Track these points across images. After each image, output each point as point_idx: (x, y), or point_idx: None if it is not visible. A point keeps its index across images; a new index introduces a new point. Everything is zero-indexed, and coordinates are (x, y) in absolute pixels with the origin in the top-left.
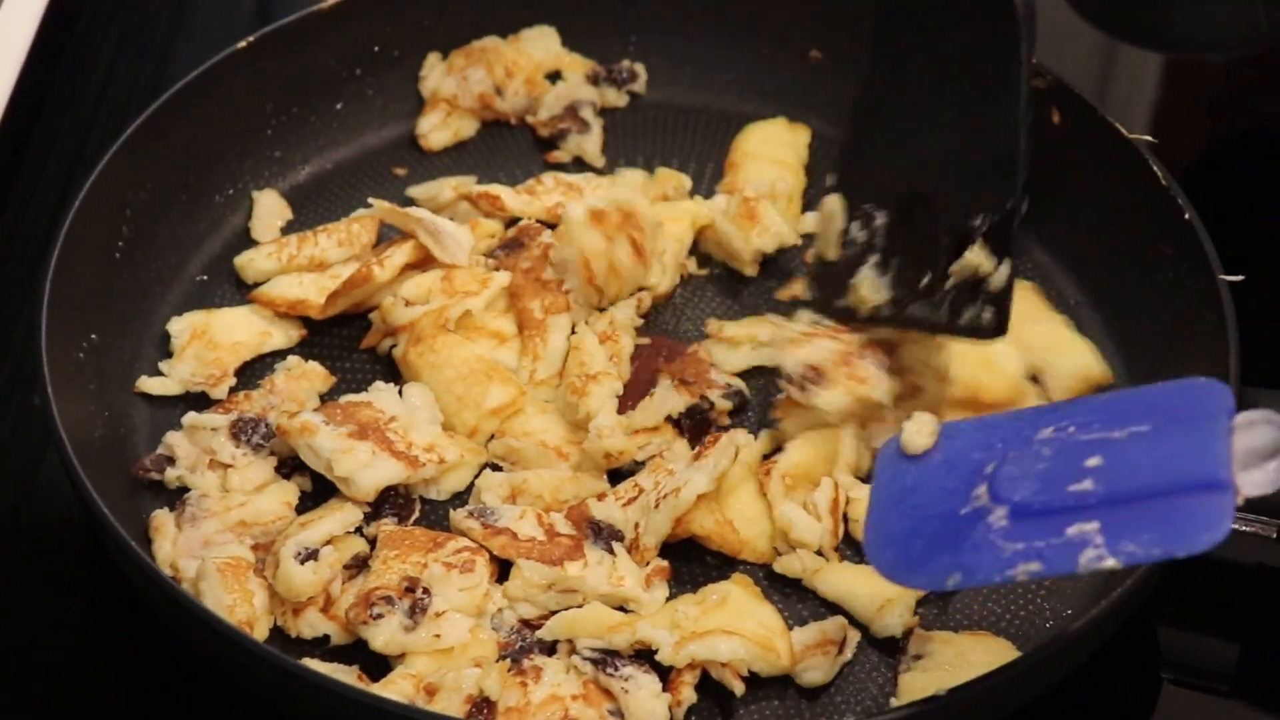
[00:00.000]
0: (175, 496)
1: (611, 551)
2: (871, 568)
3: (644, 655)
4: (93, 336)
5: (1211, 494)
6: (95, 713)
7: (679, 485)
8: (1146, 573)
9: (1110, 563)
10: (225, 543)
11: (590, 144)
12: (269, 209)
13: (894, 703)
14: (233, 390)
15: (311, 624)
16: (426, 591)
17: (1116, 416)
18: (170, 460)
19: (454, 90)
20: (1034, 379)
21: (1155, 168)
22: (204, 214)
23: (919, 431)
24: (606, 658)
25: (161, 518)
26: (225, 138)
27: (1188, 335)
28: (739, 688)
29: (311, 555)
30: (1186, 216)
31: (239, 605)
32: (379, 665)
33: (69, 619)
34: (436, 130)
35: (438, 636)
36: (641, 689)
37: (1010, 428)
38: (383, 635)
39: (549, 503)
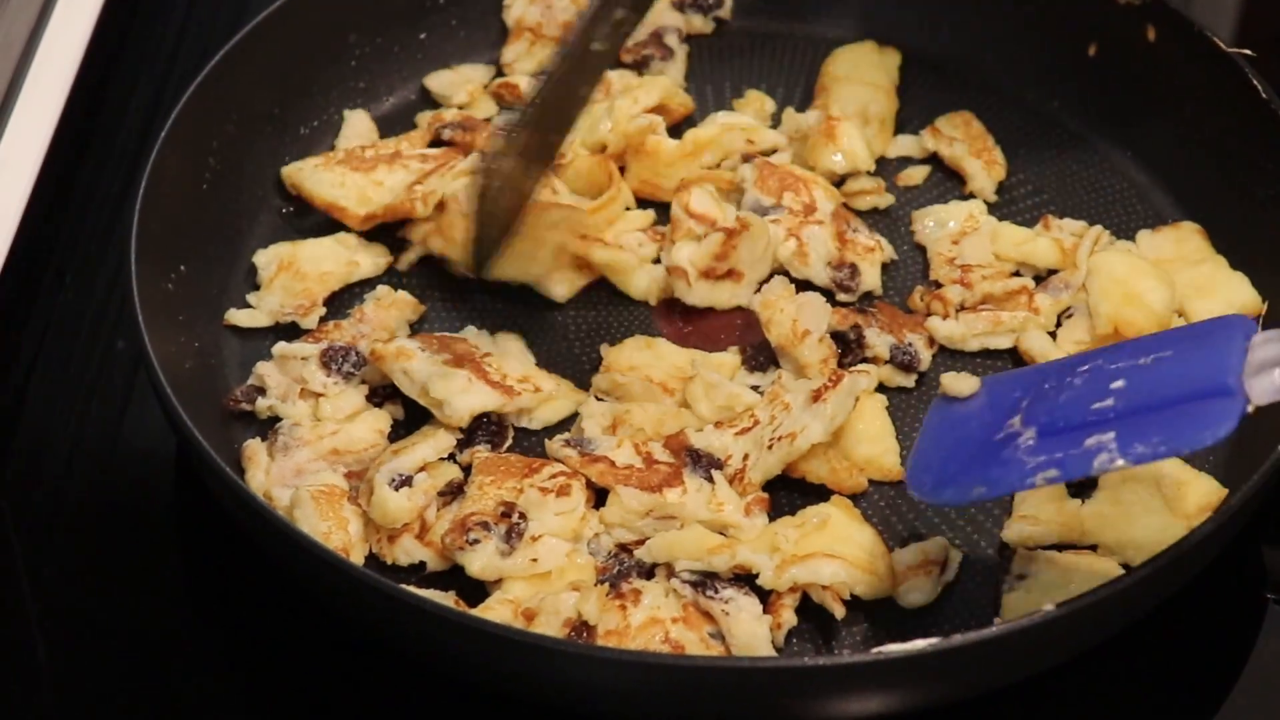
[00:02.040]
0: (266, 427)
1: (710, 479)
2: None
3: (743, 578)
4: (181, 269)
5: (1219, 399)
6: (191, 645)
7: (795, 430)
8: (1252, 492)
9: (1120, 463)
10: (318, 471)
11: (675, 70)
12: (357, 130)
13: (997, 622)
14: (322, 320)
15: (407, 550)
16: (523, 516)
17: (1146, 349)
18: (261, 391)
19: (538, 18)
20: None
21: (1255, 81)
22: (289, 146)
23: (957, 380)
24: (706, 580)
25: (254, 447)
26: (309, 69)
27: None
28: (840, 611)
29: (406, 482)
30: None
31: (334, 532)
32: (476, 592)
33: (161, 555)
34: (521, 59)
35: (534, 561)
36: (743, 611)
37: (1052, 370)
38: (479, 560)
39: (650, 435)
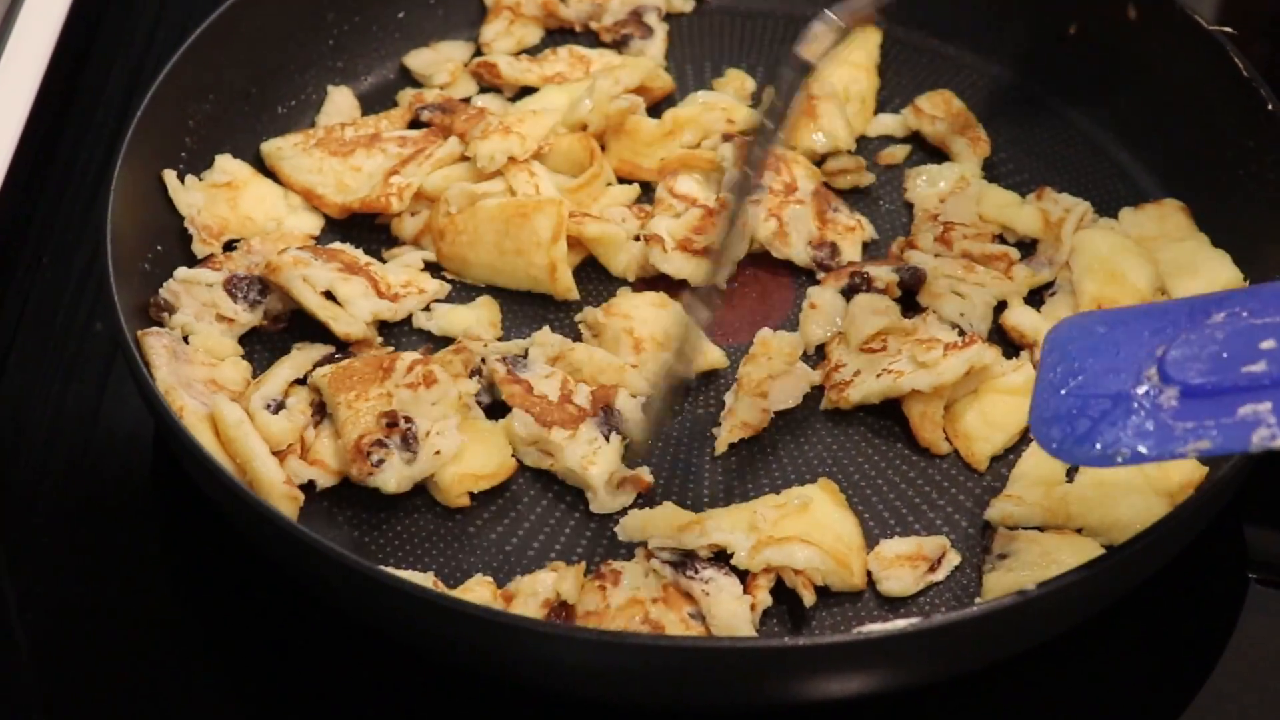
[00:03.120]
0: None
1: (607, 440)
2: None
3: (722, 558)
4: (158, 248)
5: None
6: (171, 628)
7: (905, 370)
8: (1232, 470)
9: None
10: (204, 393)
11: (654, 49)
12: (339, 106)
13: (978, 602)
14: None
15: (295, 471)
16: (408, 419)
17: None
18: (170, 308)
19: None
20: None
21: (1236, 59)
22: (267, 125)
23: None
24: (685, 560)
25: (155, 345)
26: (287, 48)
27: (1270, 228)
28: (809, 598)
29: (280, 406)
30: (1270, 108)
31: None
32: (456, 572)
33: (140, 538)
34: (500, 38)
35: (438, 454)
36: (723, 591)
37: (1182, 312)
38: (391, 477)
39: (583, 378)
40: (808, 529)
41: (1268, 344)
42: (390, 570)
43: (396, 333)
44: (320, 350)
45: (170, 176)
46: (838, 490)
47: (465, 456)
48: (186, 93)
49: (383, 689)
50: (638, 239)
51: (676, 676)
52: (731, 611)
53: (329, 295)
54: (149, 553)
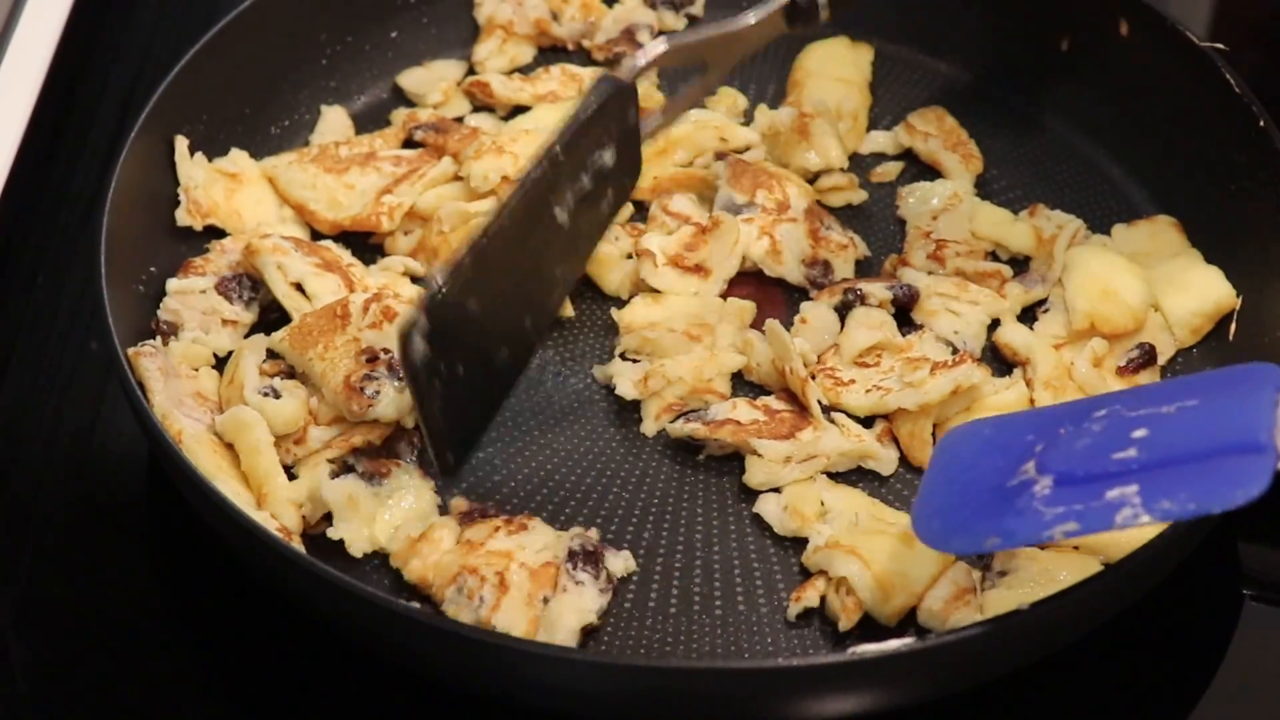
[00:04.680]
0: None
1: (833, 420)
2: None
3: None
4: (151, 269)
5: (1250, 456)
6: (163, 644)
7: (893, 388)
8: None
9: (1145, 519)
10: (195, 408)
11: None
12: (333, 125)
13: (978, 619)
14: (188, 256)
15: (318, 438)
16: (385, 350)
17: (1167, 396)
18: (174, 329)
19: (510, 16)
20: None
21: (1228, 75)
22: (260, 145)
23: None
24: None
25: (149, 368)
26: (280, 67)
27: (1264, 243)
28: (845, 623)
29: (274, 392)
30: (1261, 124)
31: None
32: None
33: (134, 555)
34: (493, 57)
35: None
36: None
37: (1065, 414)
38: (392, 405)
39: (692, 385)
40: (880, 552)
41: (1139, 433)
42: (383, 594)
43: None
44: (263, 339)
45: (181, 144)
46: None
47: None
48: (181, 113)
49: (375, 708)
50: (630, 257)
51: (667, 699)
52: (565, 622)
53: (301, 289)
54: (143, 571)
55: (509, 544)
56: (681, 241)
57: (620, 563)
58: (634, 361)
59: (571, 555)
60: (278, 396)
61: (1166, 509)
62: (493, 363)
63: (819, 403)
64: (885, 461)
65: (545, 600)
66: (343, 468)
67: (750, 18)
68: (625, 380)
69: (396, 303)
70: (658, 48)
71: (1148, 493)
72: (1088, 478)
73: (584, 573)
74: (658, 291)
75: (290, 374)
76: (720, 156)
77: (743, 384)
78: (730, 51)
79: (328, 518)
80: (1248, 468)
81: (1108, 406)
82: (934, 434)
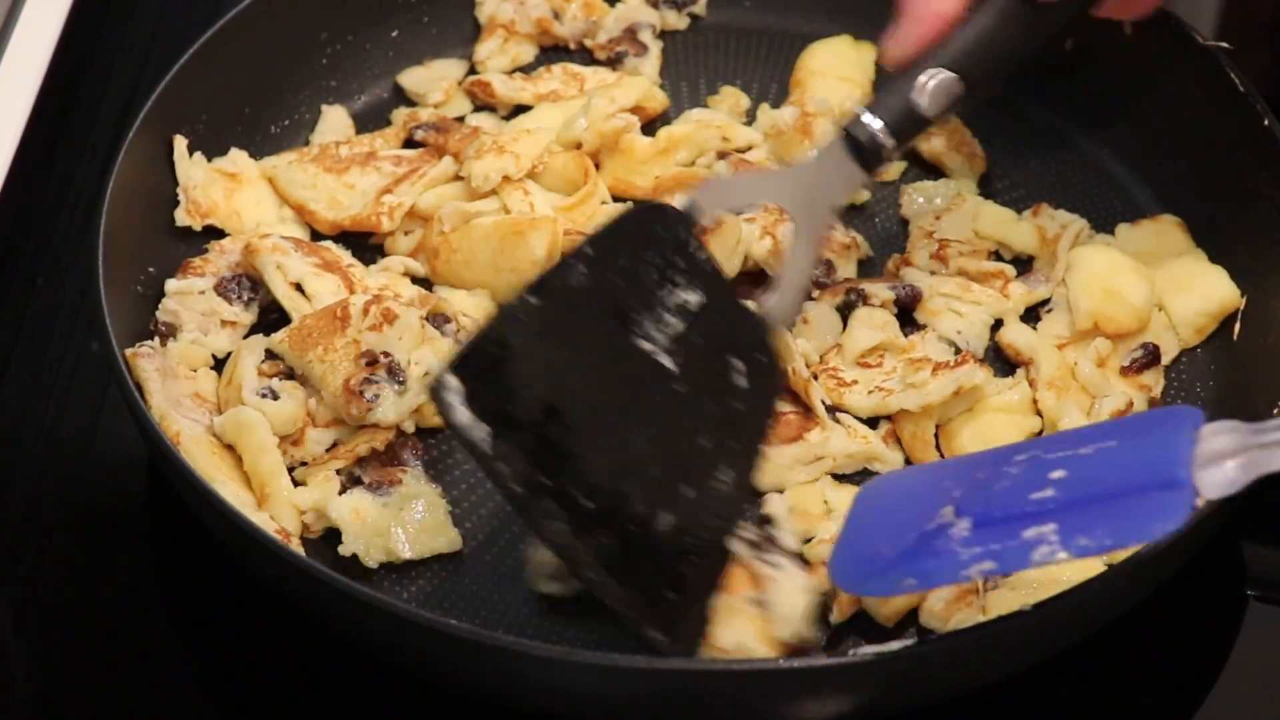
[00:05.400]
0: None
1: (838, 420)
2: None
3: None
4: (150, 270)
5: (1167, 491)
6: (163, 648)
7: (895, 389)
8: None
9: (1062, 555)
10: (194, 409)
11: (649, 67)
12: (334, 125)
13: (980, 620)
14: (187, 257)
15: (317, 440)
16: (386, 354)
17: (1086, 439)
18: (172, 331)
19: (511, 15)
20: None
21: (1233, 75)
22: (260, 145)
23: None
24: (763, 542)
25: (147, 369)
26: (280, 67)
27: (1268, 243)
28: (838, 614)
29: (271, 393)
30: (1266, 123)
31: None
32: None
33: (134, 559)
34: (494, 56)
35: (427, 374)
36: (791, 580)
37: (986, 460)
38: (390, 410)
39: None
40: None
41: (1057, 474)
42: (382, 596)
43: None
44: (261, 340)
45: (180, 144)
46: None
47: None
48: (180, 113)
49: (374, 710)
50: None
51: (663, 700)
52: (793, 603)
53: (301, 289)
54: (143, 573)
55: None
56: None
57: (791, 539)
58: None
59: (753, 546)
60: (276, 398)
61: (1083, 545)
62: (651, 523)
63: (822, 403)
64: (891, 464)
65: (760, 602)
66: (350, 478)
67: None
68: None
69: (397, 305)
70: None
71: (1065, 530)
72: (1005, 518)
73: (772, 556)
74: None
75: (289, 375)
76: (723, 156)
77: None
78: (805, 197)
79: (333, 531)
80: (1166, 502)
81: (1028, 451)
82: (937, 435)
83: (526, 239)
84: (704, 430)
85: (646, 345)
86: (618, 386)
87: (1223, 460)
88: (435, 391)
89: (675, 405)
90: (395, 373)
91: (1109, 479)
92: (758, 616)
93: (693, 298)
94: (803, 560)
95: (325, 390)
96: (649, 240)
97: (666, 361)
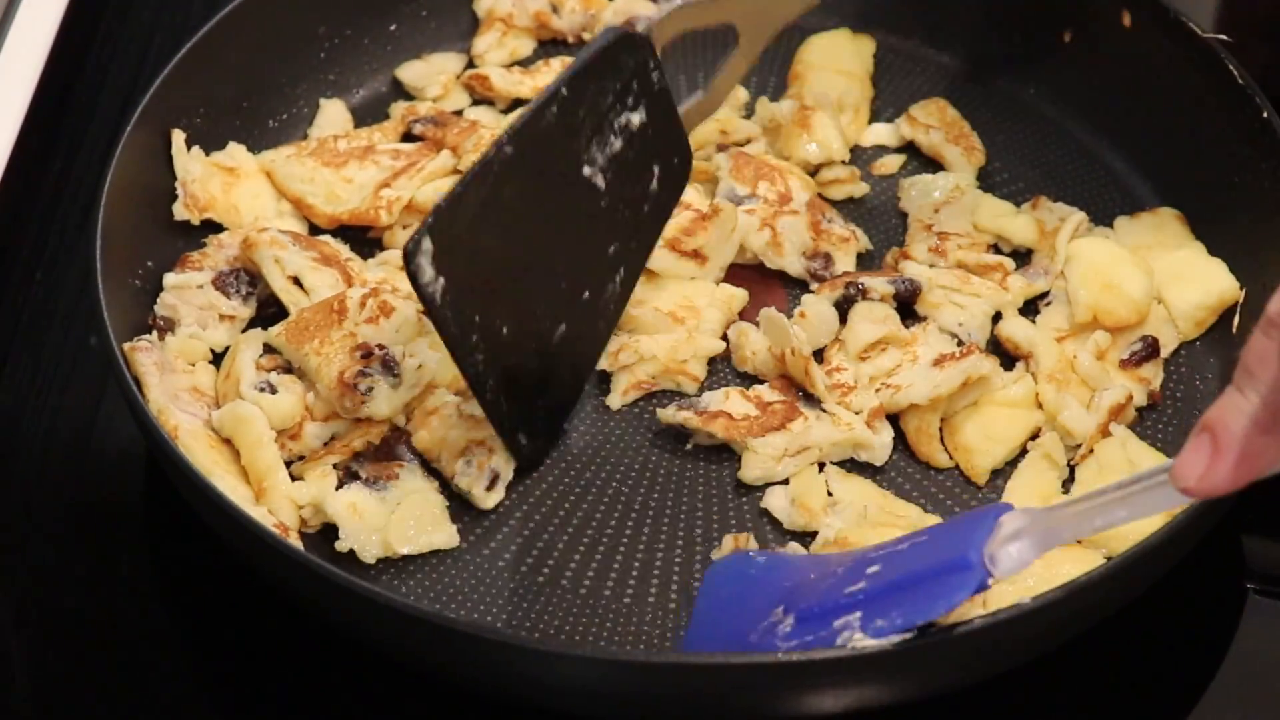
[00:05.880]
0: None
1: (823, 409)
2: None
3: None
4: (149, 264)
5: (957, 573)
6: (162, 642)
7: (903, 384)
8: None
9: (859, 638)
10: (192, 403)
11: None
12: (332, 119)
13: (980, 613)
14: (185, 251)
15: (315, 434)
16: (380, 346)
17: (907, 539)
18: (171, 325)
19: (509, 9)
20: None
21: (1231, 67)
22: (259, 138)
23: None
24: None
25: (145, 363)
26: (278, 61)
27: (1267, 236)
28: None
29: (270, 386)
30: (1265, 115)
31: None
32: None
33: (133, 553)
34: (492, 50)
35: (420, 368)
36: None
37: (820, 561)
38: (385, 403)
39: (665, 364)
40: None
41: (873, 569)
42: (379, 589)
43: None
44: (259, 334)
45: (178, 138)
46: None
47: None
48: (178, 107)
49: (374, 705)
50: None
51: (661, 695)
52: None
53: (299, 283)
54: (142, 569)
55: None
56: (680, 226)
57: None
58: (614, 335)
59: None
60: (274, 392)
61: (879, 627)
62: (550, 336)
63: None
64: (878, 450)
65: None
66: (347, 473)
67: None
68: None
69: (394, 298)
70: (674, 2)
71: (867, 616)
72: (821, 613)
73: None
74: (653, 274)
75: (288, 369)
76: (722, 149)
77: (735, 375)
78: (757, 14)
79: (330, 526)
80: (954, 582)
81: (857, 553)
82: (940, 429)
83: None
84: (614, 239)
85: (589, 170)
86: (559, 216)
87: (1013, 541)
88: (410, 254)
89: (597, 220)
90: (390, 365)
91: (911, 566)
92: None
93: (636, 118)
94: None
95: (320, 383)
96: (616, 70)
97: (599, 181)
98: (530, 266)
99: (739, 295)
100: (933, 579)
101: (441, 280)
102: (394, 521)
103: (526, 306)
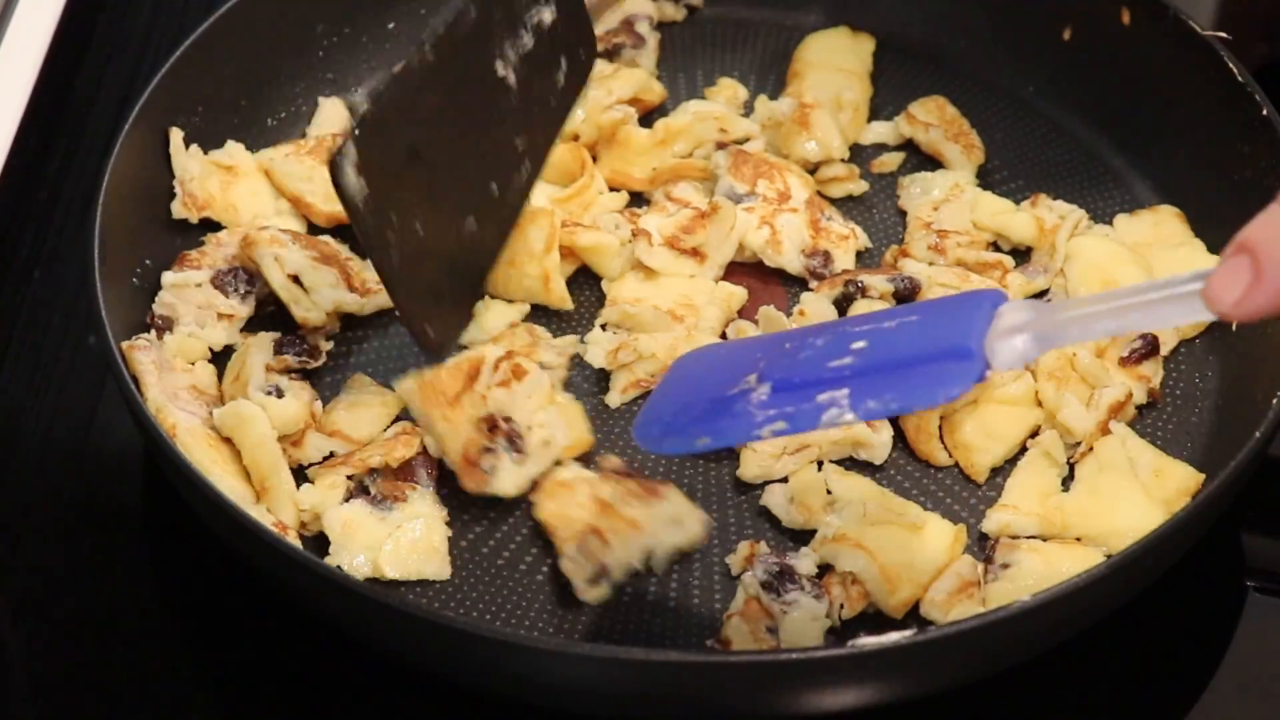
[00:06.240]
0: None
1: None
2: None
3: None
4: (147, 263)
5: (956, 361)
6: (160, 641)
7: None
8: (1230, 478)
9: (849, 417)
10: (191, 402)
11: (646, 58)
12: (330, 117)
13: (980, 610)
14: (183, 249)
15: (317, 446)
16: (508, 419)
17: (892, 315)
18: (169, 324)
19: None
20: None
21: (1231, 64)
22: (257, 137)
23: None
24: (778, 579)
25: (143, 361)
26: (276, 59)
27: None
28: (849, 611)
29: (277, 391)
30: (1264, 112)
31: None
32: None
33: (131, 552)
34: None
35: (547, 445)
36: (802, 609)
37: (796, 334)
38: (509, 480)
39: (663, 362)
40: (887, 543)
41: (858, 344)
42: (383, 590)
43: (364, 325)
44: (270, 337)
45: (176, 136)
46: (964, 533)
47: None
48: (176, 105)
49: (373, 704)
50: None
51: (667, 692)
52: (804, 633)
53: (299, 282)
54: (140, 568)
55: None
56: (679, 224)
57: (807, 563)
58: (614, 334)
59: (766, 586)
60: (281, 395)
61: (871, 408)
62: (460, 230)
63: None
64: (877, 448)
65: (771, 630)
66: (358, 486)
67: None
68: (597, 348)
69: (527, 361)
70: None
71: (856, 394)
72: (803, 384)
73: (791, 593)
74: (652, 271)
75: (298, 373)
76: (721, 147)
77: None
78: None
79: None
80: (954, 371)
81: (837, 327)
82: (940, 427)
83: (524, 231)
84: (522, 133)
85: (501, 68)
86: (472, 115)
87: (1015, 334)
88: (336, 165)
89: (507, 116)
90: (515, 441)
91: (904, 348)
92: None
93: (548, 14)
94: (819, 577)
95: (445, 454)
96: None
97: (511, 78)
98: (444, 165)
99: (738, 293)
100: (928, 364)
101: (364, 186)
102: (390, 544)
103: (439, 203)
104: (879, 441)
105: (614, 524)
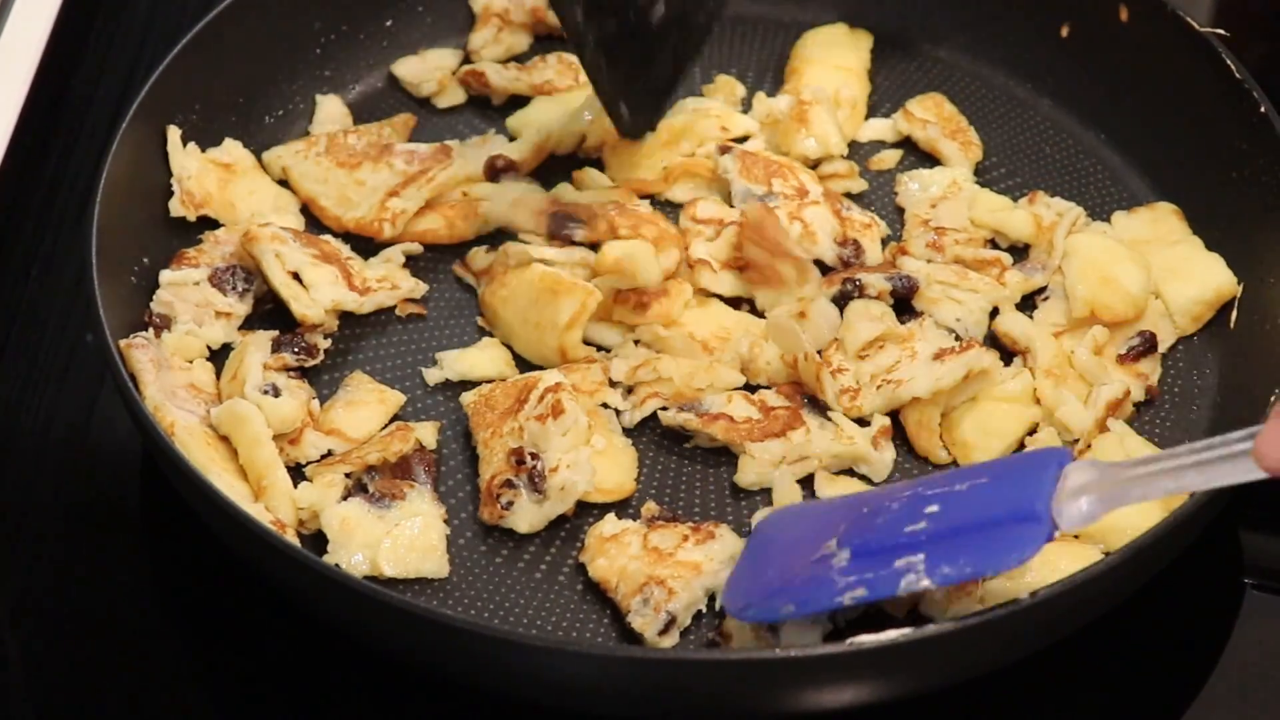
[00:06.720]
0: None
1: (828, 418)
2: None
3: None
4: (144, 261)
5: (1025, 524)
6: (159, 640)
7: (905, 378)
8: None
9: (925, 583)
10: (189, 400)
11: None
12: (330, 114)
13: (978, 608)
14: (181, 247)
15: (314, 444)
16: (534, 456)
17: (964, 477)
18: (167, 322)
19: (505, 4)
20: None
21: (1229, 61)
22: (255, 134)
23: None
24: None
25: (141, 359)
26: (274, 57)
27: (1265, 230)
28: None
29: (274, 390)
30: (1262, 110)
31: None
32: None
33: (129, 550)
34: (489, 46)
35: (563, 490)
36: None
37: (873, 497)
38: (525, 519)
39: (678, 388)
40: None
41: (932, 508)
42: (382, 588)
43: (362, 324)
44: (268, 335)
45: (174, 134)
46: None
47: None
48: (174, 103)
49: (373, 703)
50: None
51: (663, 692)
52: (802, 628)
53: (298, 279)
54: (139, 567)
55: (698, 554)
56: (729, 242)
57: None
58: (643, 351)
59: None
60: (278, 394)
61: (946, 573)
62: (648, 15)
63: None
64: (877, 465)
65: (771, 629)
66: (356, 484)
67: None
68: (622, 362)
69: (568, 398)
70: None
71: (931, 560)
72: (880, 549)
73: None
74: (706, 300)
75: (295, 371)
76: (724, 150)
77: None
78: None
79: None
80: (1023, 534)
81: (912, 489)
82: (940, 424)
83: (557, 299)
84: None
85: None
86: None
87: (1080, 495)
88: None
89: None
90: (536, 481)
91: (975, 512)
92: None
93: None
94: None
95: (479, 475)
96: None
97: None
98: None
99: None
100: (998, 528)
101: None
102: (388, 542)
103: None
104: (880, 460)
105: (675, 571)
